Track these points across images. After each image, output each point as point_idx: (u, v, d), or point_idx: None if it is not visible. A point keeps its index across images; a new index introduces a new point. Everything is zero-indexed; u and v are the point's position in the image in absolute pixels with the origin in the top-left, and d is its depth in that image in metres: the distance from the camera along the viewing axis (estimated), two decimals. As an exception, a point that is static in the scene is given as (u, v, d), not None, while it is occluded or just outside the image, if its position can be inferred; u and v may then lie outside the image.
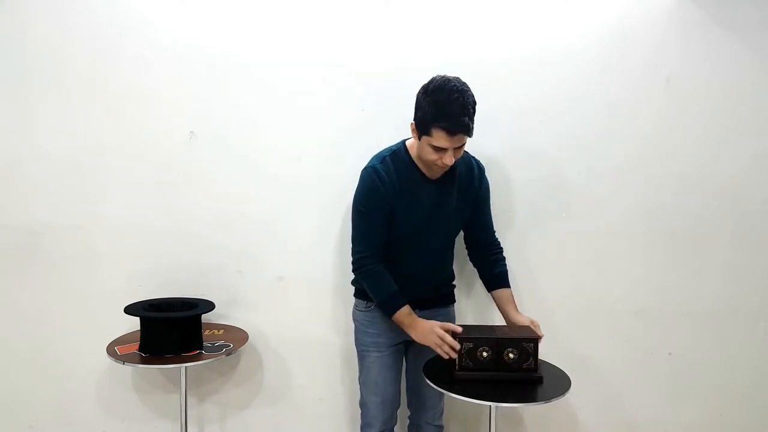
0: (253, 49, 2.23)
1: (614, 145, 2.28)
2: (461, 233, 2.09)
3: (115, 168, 2.26)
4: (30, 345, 2.31)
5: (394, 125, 2.01)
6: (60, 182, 2.25)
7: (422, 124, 1.77)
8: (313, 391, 2.37)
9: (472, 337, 1.79)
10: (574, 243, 2.32)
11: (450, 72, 1.78)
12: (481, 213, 2.05)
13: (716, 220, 2.32)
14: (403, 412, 2.16)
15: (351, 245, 1.95)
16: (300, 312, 2.33)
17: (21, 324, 2.30)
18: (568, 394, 1.73)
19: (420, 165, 1.89)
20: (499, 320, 2.07)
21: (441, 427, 2.13)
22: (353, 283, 2.07)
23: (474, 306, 2.33)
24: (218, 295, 2.27)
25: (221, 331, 2.22)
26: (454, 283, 2.14)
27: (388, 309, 1.89)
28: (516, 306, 1.99)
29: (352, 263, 1.94)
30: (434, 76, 1.77)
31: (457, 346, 1.76)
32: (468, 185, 1.98)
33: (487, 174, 2.07)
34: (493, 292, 2.04)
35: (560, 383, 1.79)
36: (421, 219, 1.91)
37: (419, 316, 1.88)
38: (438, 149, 1.76)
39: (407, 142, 1.94)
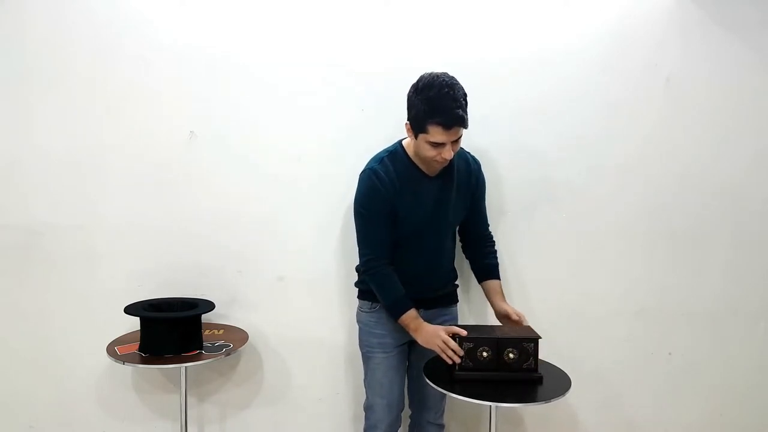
0: (253, 49, 2.23)
1: (614, 145, 2.28)
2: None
3: (115, 168, 2.25)
4: (30, 345, 2.31)
5: (394, 125, 2.01)
6: (60, 182, 2.25)
7: (417, 123, 1.78)
8: (313, 391, 2.37)
9: (472, 337, 1.79)
10: (574, 243, 2.32)
11: (450, 72, 1.78)
12: (478, 207, 2.07)
13: (716, 220, 2.32)
14: (405, 411, 2.15)
15: (357, 248, 1.96)
16: (300, 312, 2.33)
17: (21, 324, 2.29)
18: (568, 394, 1.73)
19: (418, 163, 1.90)
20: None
21: (442, 426, 2.14)
22: (357, 284, 2.08)
23: (474, 306, 2.32)
24: (218, 295, 2.27)
25: (221, 331, 2.22)
26: (456, 283, 2.15)
27: (395, 312, 1.90)
28: (504, 297, 2.03)
29: (361, 265, 1.96)
30: (422, 74, 1.79)
31: (461, 351, 1.77)
32: (466, 180, 1.99)
33: (487, 174, 2.09)
34: (483, 283, 2.07)
35: (560, 383, 1.79)
36: (423, 216, 1.92)
37: (423, 317, 1.90)
38: (436, 145, 1.77)
39: (404, 142, 1.95)
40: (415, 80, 1.81)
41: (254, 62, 2.23)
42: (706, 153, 2.30)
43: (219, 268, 2.30)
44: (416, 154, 1.88)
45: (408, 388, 2.14)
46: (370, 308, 2.02)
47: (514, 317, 1.93)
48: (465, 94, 1.77)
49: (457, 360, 1.77)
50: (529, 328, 1.89)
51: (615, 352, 2.37)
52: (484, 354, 1.77)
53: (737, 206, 2.32)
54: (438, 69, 1.81)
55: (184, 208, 2.27)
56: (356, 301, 2.10)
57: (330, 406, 2.38)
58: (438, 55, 2.19)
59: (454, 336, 1.80)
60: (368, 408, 2.04)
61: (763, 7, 2.25)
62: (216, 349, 2.04)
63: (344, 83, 2.24)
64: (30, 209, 2.26)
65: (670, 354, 2.38)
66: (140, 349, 2.02)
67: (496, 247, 2.13)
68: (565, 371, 1.86)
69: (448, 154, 1.78)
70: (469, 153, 2.05)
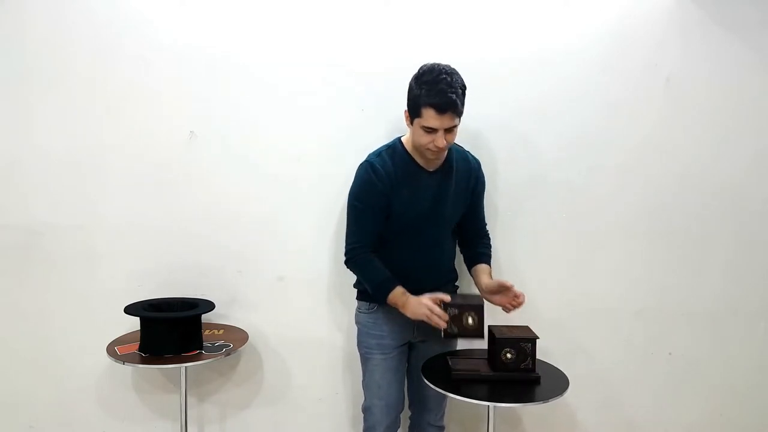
0: (253, 49, 2.23)
1: (614, 145, 2.28)
2: None
3: (115, 168, 2.26)
4: (30, 345, 2.31)
5: (394, 125, 2.01)
6: (60, 182, 2.25)
7: (413, 107, 1.80)
8: (313, 391, 2.37)
9: (456, 303, 1.82)
10: (574, 243, 2.32)
11: (450, 72, 1.79)
12: (477, 205, 2.08)
13: (716, 220, 2.32)
14: (404, 412, 2.15)
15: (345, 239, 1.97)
16: (300, 312, 2.33)
17: (21, 324, 2.30)
18: (567, 394, 1.73)
19: (417, 157, 1.90)
20: (500, 317, 2.06)
21: (442, 428, 2.14)
22: (356, 285, 2.08)
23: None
24: (218, 295, 2.27)
25: (221, 331, 2.23)
26: (456, 284, 2.15)
27: (381, 293, 1.90)
28: (491, 276, 2.02)
29: (345, 254, 1.96)
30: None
31: (446, 316, 1.79)
32: (466, 178, 2.00)
33: (487, 174, 2.10)
34: (472, 269, 2.08)
35: (558, 383, 1.80)
36: (421, 211, 1.92)
37: None
38: (429, 131, 1.78)
39: (403, 138, 1.95)
40: (415, 79, 1.81)
41: (254, 62, 2.23)
42: (706, 153, 2.30)
43: (219, 268, 2.30)
44: (414, 146, 1.89)
45: (408, 389, 2.13)
46: (369, 309, 2.02)
47: (508, 284, 1.89)
48: (464, 85, 1.79)
49: (443, 325, 1.79)
50: (527, 328, 1.89)
51: (615, 352, 2.37)
52: (470, 320, 1.79)
53: (737, 206, 2.32)
54: (438, 69, 1.80)
55: (184, 208, 2.27)
56: (356, 302, 2.10)
57: (330, 406, 2.38)
58: (438, 55, 2.15)
59: (440, 304, 1.82)
60: (366, 409, 2.04)
61: (763, 7, 2.25)
62: (216, 349, 2.04)
63: (344, 83, 2.24)
64: (30, 209, 2.26)
65: (670, 354, 2.38)
66: (140, 349, 2.02)
67: (491, 244, 2.13)
68: (565, 371, 1.86)
69: (440, 141, 1.78)
70: (468, 152, 2.05)
